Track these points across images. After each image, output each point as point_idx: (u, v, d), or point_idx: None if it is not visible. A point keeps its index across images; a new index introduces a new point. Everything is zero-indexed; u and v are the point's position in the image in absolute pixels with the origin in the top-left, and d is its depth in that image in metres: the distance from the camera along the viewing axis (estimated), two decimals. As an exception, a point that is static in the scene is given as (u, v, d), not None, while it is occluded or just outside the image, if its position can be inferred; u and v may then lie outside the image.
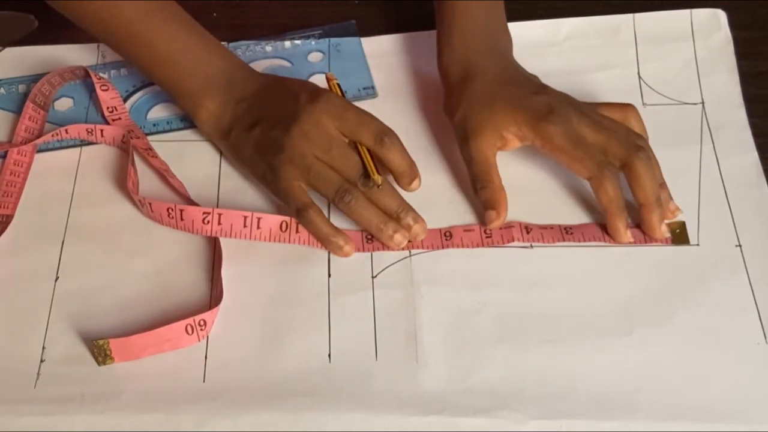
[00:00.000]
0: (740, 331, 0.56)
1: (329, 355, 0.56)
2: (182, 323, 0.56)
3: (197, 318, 0.56)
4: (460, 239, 0.61)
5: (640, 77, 0.70)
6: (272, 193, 0.62)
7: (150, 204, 0.61)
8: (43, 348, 0.57)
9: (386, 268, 0.60)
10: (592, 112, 0.62)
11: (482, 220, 0.61)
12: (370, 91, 0.70)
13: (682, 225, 0.61)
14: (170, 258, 0.61)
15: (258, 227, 0.60)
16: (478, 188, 0.62)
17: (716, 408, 0.53)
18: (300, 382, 0.55)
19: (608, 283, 0.59)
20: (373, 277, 0.60)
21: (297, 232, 0.60)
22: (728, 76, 0.69)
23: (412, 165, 0.61)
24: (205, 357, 0.56)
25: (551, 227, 0.61)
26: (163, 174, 0.65)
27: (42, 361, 0.57)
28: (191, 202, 0.63)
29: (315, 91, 0.61)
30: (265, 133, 0.61)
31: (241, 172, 0.65)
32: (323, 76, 0.66)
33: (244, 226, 0.60)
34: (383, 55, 0.72)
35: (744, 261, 0.59)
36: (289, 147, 0.59)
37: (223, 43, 0.72)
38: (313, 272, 0.60)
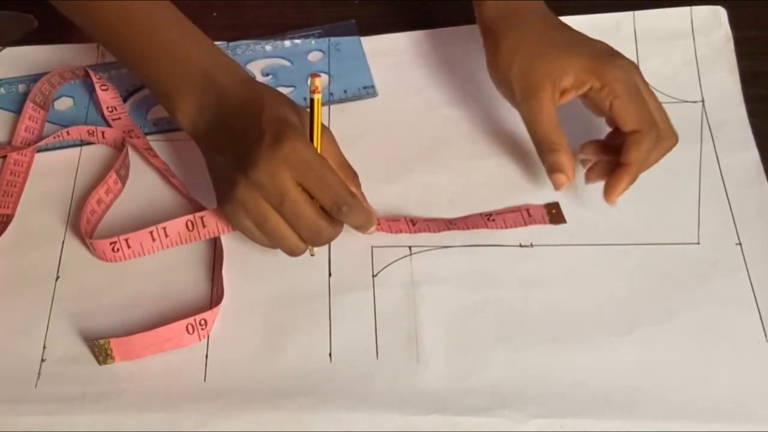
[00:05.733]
0: (740, 329, 0.57)
1: (330, 355, 0.56)
2: (183, 323, 0.56)
3: (198, 317, 0.56)
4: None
5: (640, 76, 0.70)
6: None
7: (92, 244, 0.60)
8: (44, 347, 0.57)
9: (387, 266, 0.60)
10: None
11: (488, 216, 0.61)
12: (370, 91, 0.70)
13: (557, 205, 0.61)
14: (171, 257, 0.61)
15: (166, 236, 0.60)
16: (546, 151, 0.59)
17: (716, 407, 0.54)
18: (301, 381, 0.55)
19: (608, 282, 0.59)
20: (373, 276, 0.60)
21: (204, 227, 0.60)
22: (728, 73, 0.69)
23: (368, 220, 0.57)
24: (206, 356, 0.57)
25: (435, 220, 0.61)
26: (164, 173, 0.65)
27: (43, 360, 0.57)
28: (192, 201, 0.63)
29: (280, 134, 0.54)
30: (226, 164, 0.57)
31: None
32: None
33: (153, 240, 0.60)
34: (383, 54, 0.72)
35: (744, 259, 0.59)
36: (242, 191, 0.54)
37: (222, 42, 0.72)
38: (313, 272, 0.60)
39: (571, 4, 0.73)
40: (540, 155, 0.60)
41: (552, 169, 0.59)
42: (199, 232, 0.60)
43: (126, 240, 0.60)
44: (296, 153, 0.54)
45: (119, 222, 0.62)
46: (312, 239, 0.55)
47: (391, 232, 0.61)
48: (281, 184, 0.54)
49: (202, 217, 0.60)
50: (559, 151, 0.59)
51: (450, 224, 0.61)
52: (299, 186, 0.54)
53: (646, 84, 0.60)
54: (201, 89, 0.59)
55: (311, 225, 0.54)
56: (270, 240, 0.56)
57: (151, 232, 0.60)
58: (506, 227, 0.61)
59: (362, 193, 0.59)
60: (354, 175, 0.59)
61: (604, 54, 0.59)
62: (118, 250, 0.60)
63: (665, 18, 0.72)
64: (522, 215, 0.61)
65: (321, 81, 0.56)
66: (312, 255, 0.58)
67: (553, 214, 0.61)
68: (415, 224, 0.61)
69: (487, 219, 0.61)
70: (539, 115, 0.59)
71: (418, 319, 0.58)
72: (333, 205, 0.54)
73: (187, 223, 0.60)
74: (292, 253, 0.56)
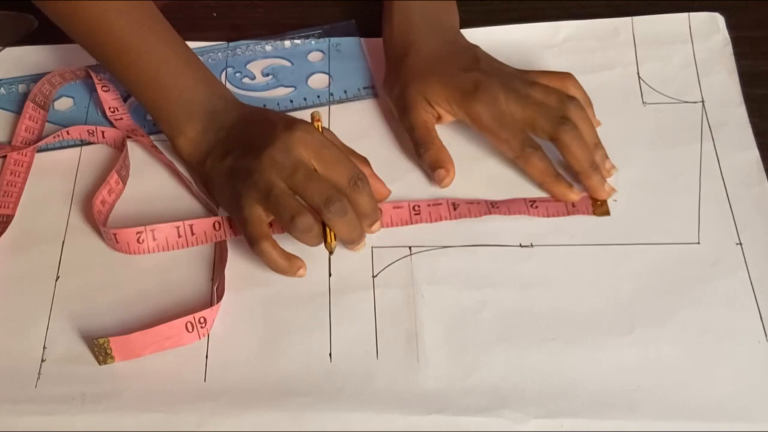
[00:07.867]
0: (741, 329, 0.56)
1: (330, 355, 0.56)
2: (182, 320, 0.56)
3: (197, 315, 0.56)
4: (390, 218, 0.61)
5: (639, 76, 0.70)
6: (236, 222, 0.60)
7: (115, 234, 0.60)
8: (44, 347, 0.57)
9: (387, 267, 0.60)
10: (522, 84, 0.62)
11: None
12: (370, 91, 0.70)
13: (604, 200, 0.62)
14: (171, 257, 0.61)
15: (192, 233, 0.60)
16: (421, 152, 0.63)
17: (717, 407, 0.53)
18: (301, 381, 0.55)
19: (609, 281, 0.59)
20: (373, 277, 0.60)
21: (230, 227, 0.61)
22: (728, 76, 0.69)
23: (376, 209, 0.58)
24: (206, 356, 0.57)
25: (477, 202, 0.62)
26: (172, 169, 0.65)
27: (43, 360, 0.57)
28: (200, 197, 0.63)
29: (293, 121, 0.58)
30: (237, 160, 0.59)
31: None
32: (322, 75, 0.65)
33: (179, 236, 0.60)
34: (383, 54, 0.72)
35: (745, 259, 0.59)
36: (256, 172, 0.56)
37: (222, 43, 0.72)
38: (313, 271, 0.59)
39: (568, 3, 0.74)
40: (419, 159, 0.63)
41: (431, 168, 0.63)
42: (225, 232, 0.61)
43: (152, 231, 0.60)
44: (310, 135, 0.57)
45: (124, 220, 0.62)
46: (322, 203, 0.55)
47: (431, 221, 0.61)
48: (295, 158, 0.56)
49: (229, 219, 0.61)
50: (430, 149, 0.63)
51: (492, 207, 0.61)
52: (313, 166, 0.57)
53: (514, 93, 0.61)
54: (206, 116, 0.62)
55: (323, 189, 0.56)
56: (274, 209, 0.56)
57: (177, 228, 0.60)
58: (548, 215, 0.61)
59: (375, 174, 0.61)
60: (365, 159, 0.61)
61: (469, 91, 0.62)
62: (143, 241, 0.60)
63: (663, 24, 0.72)
64: (566, 205, 0.62)
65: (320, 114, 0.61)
66: (331, 252, 0.57)
67: (598, 205, 0.61)
68: (456, 208, 0.61)
69: (530, 205, 0.62)
70: (414, 122, 0.63)
71: (418, 319, 0.58)
72: (350, 179, 0.57)
73: (214, 224, 0.61)
74: (293, 217, 0.55)
